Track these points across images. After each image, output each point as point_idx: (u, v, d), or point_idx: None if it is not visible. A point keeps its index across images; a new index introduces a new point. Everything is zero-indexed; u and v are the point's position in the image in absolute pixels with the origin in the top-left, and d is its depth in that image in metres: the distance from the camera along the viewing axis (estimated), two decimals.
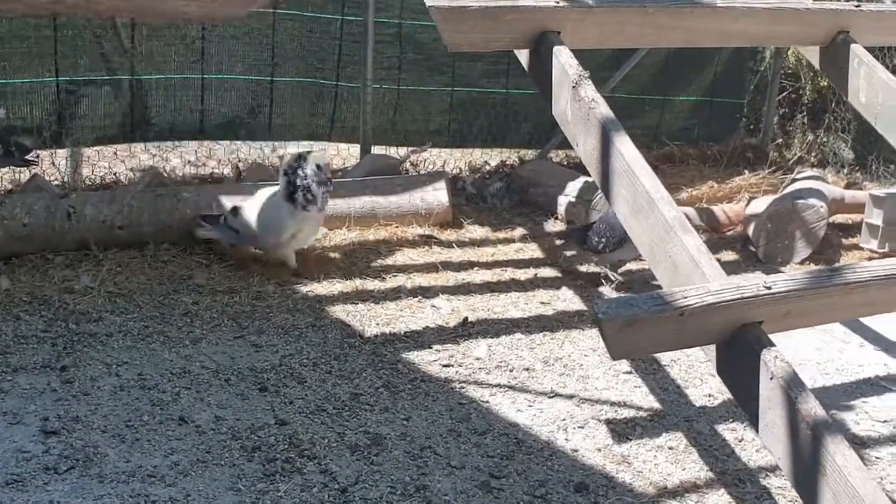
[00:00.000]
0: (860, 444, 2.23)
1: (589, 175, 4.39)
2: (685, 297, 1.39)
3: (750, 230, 3.85)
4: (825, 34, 2.41)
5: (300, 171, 3.12)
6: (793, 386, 1.37)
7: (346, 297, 3.08)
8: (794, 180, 4.28)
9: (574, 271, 3.54)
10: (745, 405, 1.47)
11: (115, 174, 4.08)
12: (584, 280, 3.42)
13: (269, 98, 4.42)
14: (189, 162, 4.34)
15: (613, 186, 1.84)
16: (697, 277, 1.57)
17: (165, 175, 3.99)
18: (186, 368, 2.44)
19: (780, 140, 5.95)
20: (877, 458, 2.17)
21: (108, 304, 2.81)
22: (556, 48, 2.03)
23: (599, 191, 4.15)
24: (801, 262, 3.74)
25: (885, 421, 2.37)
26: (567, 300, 3.22)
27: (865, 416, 2.40)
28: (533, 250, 3.86)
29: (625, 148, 1.80)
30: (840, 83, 2.41)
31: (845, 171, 5.58)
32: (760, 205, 3.87)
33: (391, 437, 2.17)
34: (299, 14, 4.36)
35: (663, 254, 1.68)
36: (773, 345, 1.45)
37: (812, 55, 2.50)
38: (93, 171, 4.03)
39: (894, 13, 2.49)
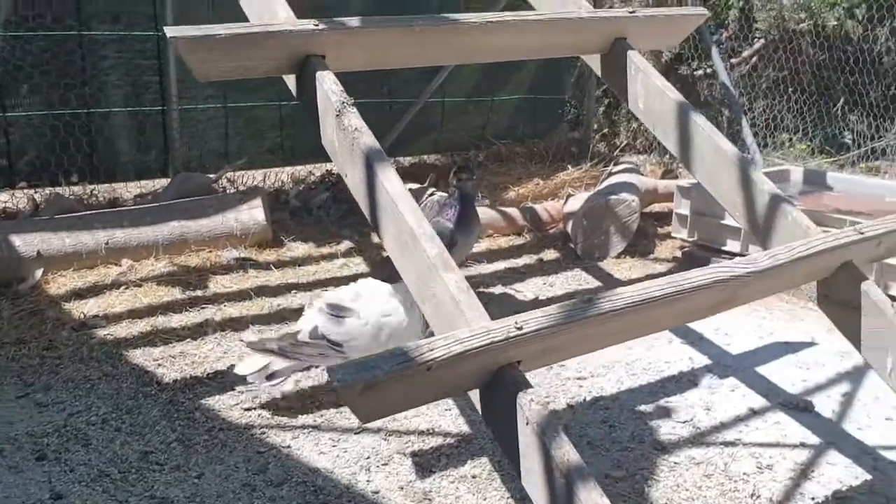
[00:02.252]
0: (661, 449, 2.26)
1: (416, 182, 4.36)
2: (431, 350, 1.32)
3: (569, 227, 3.90)
4: (603, 42, 2.41)
5: None
6: (547, 431, 1.33)
7: (146, 339, 2.87)
8: (610, 174, 4.38)
9: None
10: (507, 450, 1.42)
11: None
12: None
13: (87, 133, 4.09)
14: None
15: (381, 221, 1.75)
16: (458, 318, 1.51)
17: None
18: None
19: (606, 130, 6.12)
20: (675, 463, 2.20)
21: None
22: (319, 74, 1.91)
23: (425, 197, 4.10)
24: (618, 256, 3.82)
25: (685, 421, 2.41)
26: None
27: (667, 418, 2.44)
28: (358, 264, 3.76)
29: (389, 182, 1.71)
30: (620, 90, 2.43)
31: (667, 156, 5.79)
32: (577, 202, 3.93)
33: (179, 499, 2.01)
34: (109, 34, 4.05)
35: (428, 292, 1.61)
36: (529, 386, 1.40)
37: (594, 63, 2.51)
38: None
39: (667, 17, 2.53)
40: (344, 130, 1.83)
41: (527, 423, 1.36)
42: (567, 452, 1.31)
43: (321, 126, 1.94)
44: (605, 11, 2.43)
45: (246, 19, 2.20)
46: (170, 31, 1.77)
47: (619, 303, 1.51)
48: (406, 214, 1.66)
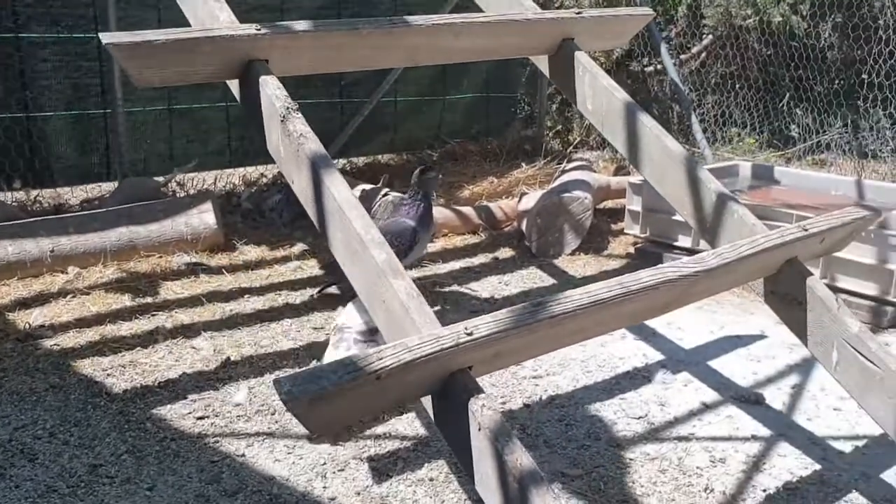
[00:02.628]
0: (616, 446, 2.28)
1: (370, 183, 4.34)
2: (380, 360, 1.31)
3: (523, 225, 3.91)
4: (550, 43, 2.42)
5: None
6: (499, 436, 1.33)
7: (95, 348, 2.80)
8: (563, 171, 4.40)
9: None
10: (460, 456, 1.41)
11: None
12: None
13: (28, 138, 3.98)
14: None
15: (329, 228, 1.73)
16: (408, 324, 1.50)
17: None
18: None
19: (559, 127, 6.16)
20: (631, 459, 2.22)
21: None
22: (262, 78, 1.88)
23: (379, 198, 4.08)
24: (573, 253, 3.84)
25: (639, 417, 2.44)
26: None
27: (623, 414, 2.46)
28: (312, 267, 3.73)
29: (335, 188, 1.69)
30: (569, 91, 2.44)
31: (619, 153, 5.85)
32: (531, 201, 3.94)
33: None
34: (46, 37, 3.95)
35: (377, 299, 1.60)
36: (480, 391, 1.40)
37: (542, 64, 2.51)
38: None
39: (613, 17, 2.55)
40: (289, 136, 1.80)
41: (479, 429, 1.35)
42: (520, 457, 1.31)
43: (266, 132, 1.92)
44: (552, 13, 2.43)
45: (187, 23, 2.16)
46: (105, 38, 1.73)
47: (570, 305, 1.52)
48: (354, 221, 1.65)
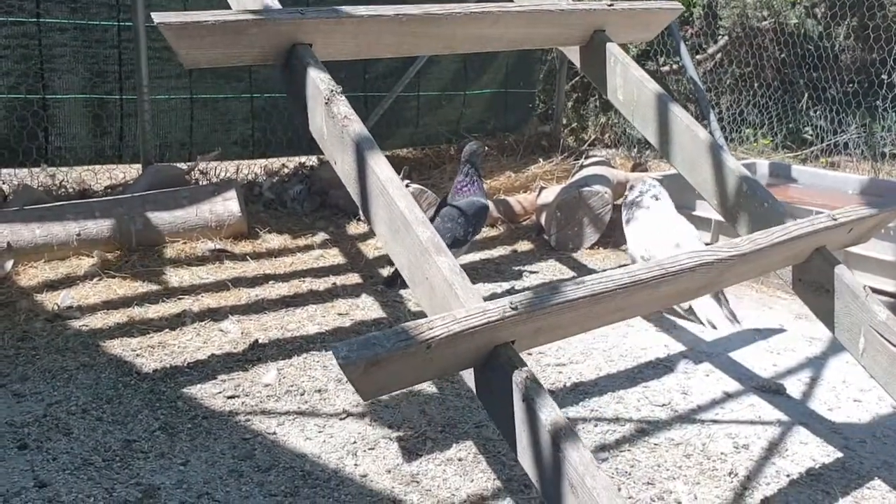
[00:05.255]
0: (641, 431, 2.32)
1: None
2: (431, 329, 1.35)
3: (542, 219, 3.95)
4: (582, 34, 2.46)
5: None
6: (543, 408, 1.37)
7: (123, 330, 2.84)
8: (582, 166, 4.44)
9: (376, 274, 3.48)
10: (503, 428, 1.45)
11: None
12: (384, 284, 3.37)
13: (43, 118, 4.03)
14: None
15: (371, 207, 1.77)
16: (452, 299, 1.54)
17: None
18: None
19: (575, 124, 6.20)
20: (655, 444, 2.25)
21: None
22: (307, 61, 1.92)
23: None
24: (592, 247, 3.88)
25: (663, 405, 2.47)
26: (366, 308, 3.15)
27: (646, 401, 2.49)
28: (334, 256, 3.77)
29: (379, 168, 1.73)
30: (600, 82, 2.47)
31: (635, 150, 5.89)
32: (550, 194, 3.98)
33: (166, 486, 2.00)
34: (69, 22, 3.99)
35: (421, 276, 1.63)
36: (524, 365, 1.44)
37: (573, 55, 2.55)
38: None
39: (644, 10, 2.58)
40: (333, 118, 1.84)
41: (522, 400, 1.39)
42: (564, 429, 1.34)
43: (309, 114, 1.95)
44: (586, 4, 2.47)
45: (228, 6, 2.20)
46: (157, 17, 1.77)
47: (610, 284, 1.55)
48: (397, 200, 1.68)
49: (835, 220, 1.99)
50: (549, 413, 1.36)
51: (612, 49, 2.42)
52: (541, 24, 2.33)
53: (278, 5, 2.05)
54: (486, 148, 3.30)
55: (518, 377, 1.41)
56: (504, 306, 1.43)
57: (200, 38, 1.82)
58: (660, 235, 3.13)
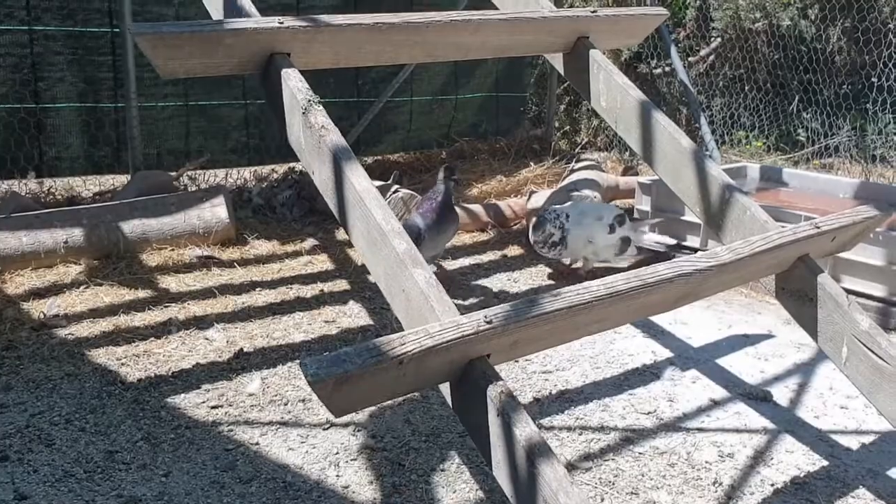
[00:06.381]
0: (626, 440, 2.31)
1: (380, 180, 4.36)
2: (403, 344, 1.33)
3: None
4: (566, 41, 2.45)
5: None
6: (517, 423, 1.35)
7: (109, 338, 2.83)
8: (572, 170, 4.43)
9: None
10: (479, 442, 1.44)
11: None
12: (372, 291, 3.36)
13: (36, 128, 4.01)
14: None
15: (349, 218, 1.76)
16: (428, 312, 1.53)
17: None
18: None
19: (567, 128, 6.19)
20: (640, 453, 2.24)
21: None
22: (284, 71, 1.91)
23: (389, 194, 4.10)
24: None
25: (648, 412, 2.46)
26: (353, 315, 3.14)
27: (632, 409, 2.48)
28: (322, 262, 3.76)
29: (356, 179, 1.72)
30: (583, 89, 2.46)
31: (627, 153, 5.88)
32: (540, 199, 3.97)
33: (147, 498, 1.99)
34: (60, 30, 3.98)
35: (398, 287, 1.62)
36: (499, 379, 1.43)
37: (556, 62, 2.54)
38: None
39: (628, 16, 2.57)
40: (311, 128, 1.83)
41: (497, 415, 1.38)
42: (538, 444, 1.33)
43: (287, 124, 1.94)
44: (568, 11, 2.46)
45: (209, 16, 2.19)
46: (133, 28, 1.75)
47: (587, 296, 1.54)
48: (374, 211, 1.67)
49: (817, 228, 1.98)
50: (524, 428, 1.35)
51: (595, 56, 2.41)
52: (523, 31, 2.32)
53: (257, 14, 2.04)
54: (456, 170, 3.34)
55: (493, 391, 1.40)
56: (479, 320, 1.42)
57: (177, 49, 1.81)
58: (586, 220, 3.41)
